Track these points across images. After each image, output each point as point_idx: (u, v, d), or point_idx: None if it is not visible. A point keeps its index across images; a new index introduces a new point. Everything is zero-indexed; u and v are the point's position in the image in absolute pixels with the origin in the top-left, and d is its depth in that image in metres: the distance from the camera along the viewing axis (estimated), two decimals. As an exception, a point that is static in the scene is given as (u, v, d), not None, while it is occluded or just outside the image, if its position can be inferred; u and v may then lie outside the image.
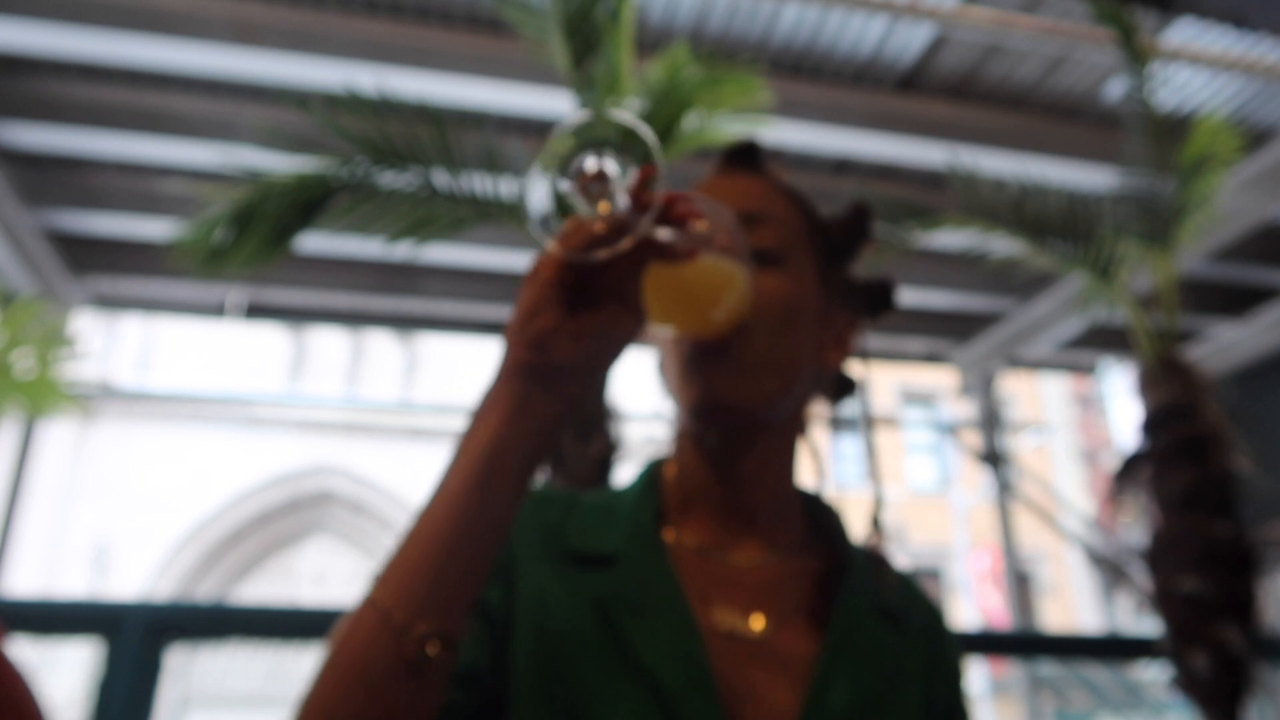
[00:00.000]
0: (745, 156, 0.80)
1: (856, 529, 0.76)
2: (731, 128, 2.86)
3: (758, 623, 0.66)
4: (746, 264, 0.65)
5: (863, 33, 3.39)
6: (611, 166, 0.53)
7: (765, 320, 0.68)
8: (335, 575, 11.41)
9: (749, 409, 0.68)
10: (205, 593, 10.73)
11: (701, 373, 0.68)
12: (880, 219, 3.26)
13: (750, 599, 0.68)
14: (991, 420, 5.36)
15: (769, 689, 0.63)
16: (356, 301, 4.56)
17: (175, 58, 3.09)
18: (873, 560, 0.73)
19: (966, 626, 11.43)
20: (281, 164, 2.69)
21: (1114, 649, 3.07)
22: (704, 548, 0.70)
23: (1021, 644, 3.21)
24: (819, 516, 0.76)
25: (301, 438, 11.35)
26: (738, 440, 0.70)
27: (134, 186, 3.87)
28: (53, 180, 3.81)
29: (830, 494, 0.77)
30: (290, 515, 11.36)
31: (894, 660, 0.69)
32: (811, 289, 0.73)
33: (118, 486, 10.61)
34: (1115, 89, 3.54)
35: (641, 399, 11.82)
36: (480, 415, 0.55)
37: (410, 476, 11.39)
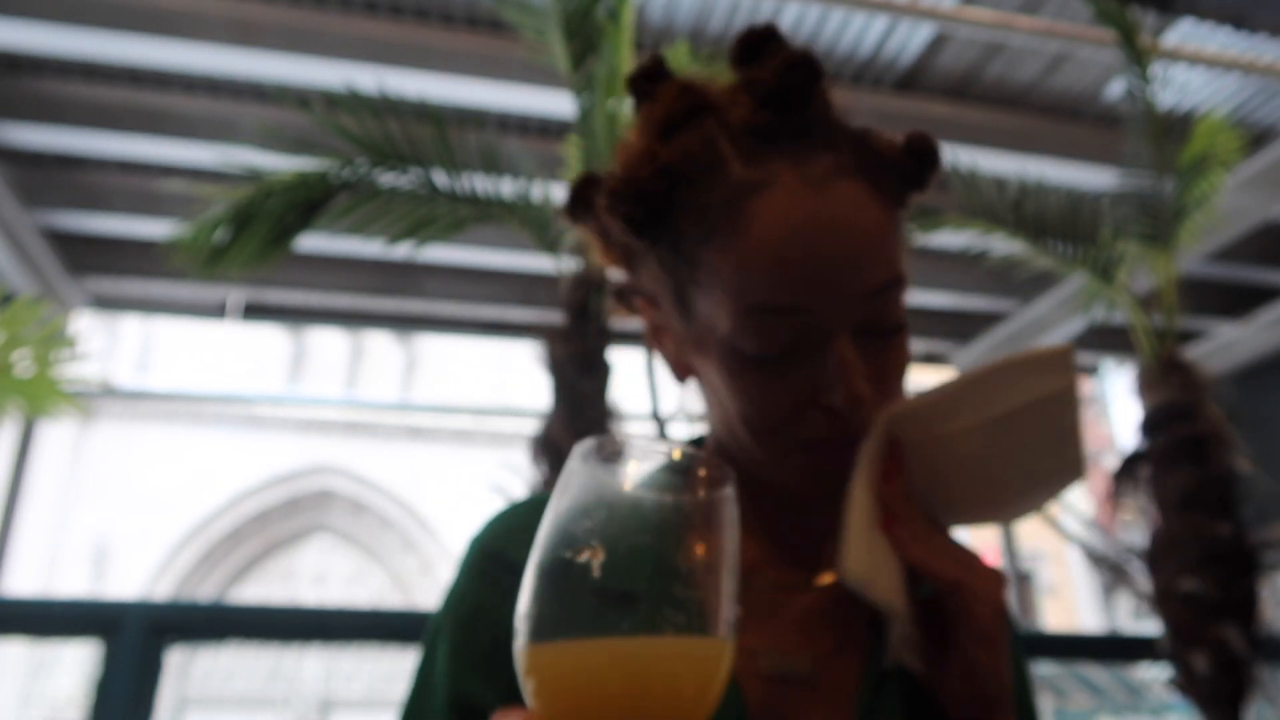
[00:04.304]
0: (802, 100, 0.56)
1: None
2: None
3: (805, 660, 0.61)
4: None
5: (863, 33, 3.39)
6: None
7: (888, 395, 0.58)
8: (335, 575, 11.40)
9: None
10: (205, 593, 10.72)
11: (834, 467, 0.58)
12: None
13: (798, 632, 0.62)
14: (991, 420, 5.36)
15: None
16: (356, 301, 4.56)
17: (175, 58, 3.09)
18: None
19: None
20: (281, 164, 2.69)
21: (1114, 649, 3.08)
22: (746, 574, 0.63)
23: (1021, 644, 3.20)
24: None
25: (301, 438, 11.34)
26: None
27: (134, 186, 3.86)
28: (52, 180, 3.80)
29: None
30: (290, 515, 11.35)
31: None
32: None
33: (117, 487, 10.60)
34: (1115, 89, 3.53)
35: (641, 399, 11.81)
36: None
37: (410, 476, 11.38)
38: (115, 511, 10.52)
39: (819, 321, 0.54)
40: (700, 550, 0.39)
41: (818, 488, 0.59)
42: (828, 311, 0.54)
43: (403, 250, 2.90)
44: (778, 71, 0.57)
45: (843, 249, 0.54)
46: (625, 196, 0.59)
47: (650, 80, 0.63)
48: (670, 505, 0.40)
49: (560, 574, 0.39)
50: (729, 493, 0.41)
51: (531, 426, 2.71)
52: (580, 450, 0.41)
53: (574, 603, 0.38)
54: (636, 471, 0.40)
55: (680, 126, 0.58)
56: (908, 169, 0.60)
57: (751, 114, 0.57)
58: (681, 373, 0.64)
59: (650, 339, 0.66)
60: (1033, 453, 0.58)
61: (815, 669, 0.60)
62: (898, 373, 0.59)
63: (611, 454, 0.41)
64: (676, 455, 0.41)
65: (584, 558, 0.38)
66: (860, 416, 0.56)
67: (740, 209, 0.55)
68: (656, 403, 2.81)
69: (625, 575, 0.38)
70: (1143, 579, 2.92)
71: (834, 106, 0.59)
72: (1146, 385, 2.98)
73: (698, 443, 0.69)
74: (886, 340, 0.57)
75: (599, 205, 0.62)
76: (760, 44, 0.62)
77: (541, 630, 0.38)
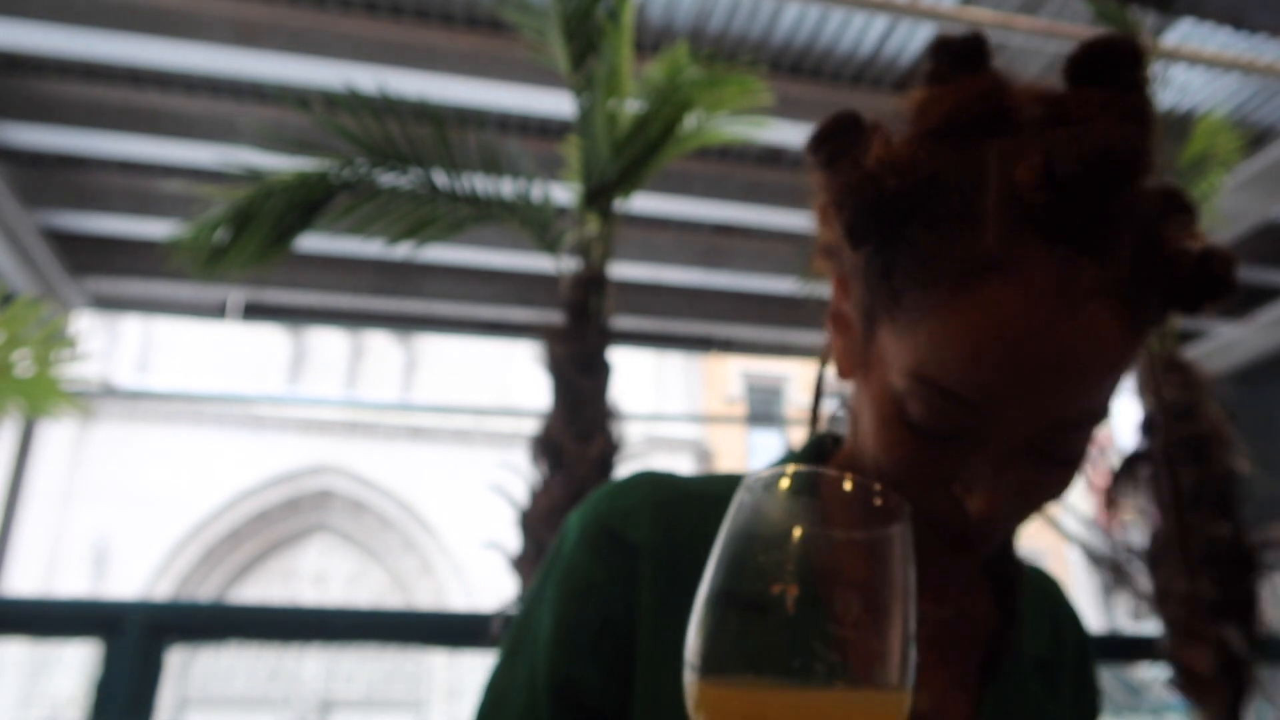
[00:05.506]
0: (1097, 199, 0.46)
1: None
2: (731, 128, 2.86)
3: (926, 696, 0.56)
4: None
5: (863, 33, 3.39)
6: None
7: (1021, 515, 0.54)
8: (335, 575, 11.41)
9: None
10: (205, 593, 10.72)
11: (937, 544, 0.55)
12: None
13: (921, 666, 0.60)
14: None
15: None
16: (356, 301, 4.56)
17: (175, 58, 3.09)
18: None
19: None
20: (281, 164, 2.69)
21: (1114, 649, 3.07)
22: None
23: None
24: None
25: (301, 438, 11.35)
26: None
27: (134, 186, 3.87)
28: (52, 180, 3.80)
29: None
30: (290, 515, 11.36)
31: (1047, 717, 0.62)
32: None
33: (117, 487, 10.61)
34: (1115, 89, 3.53)
35: (641, 399, 11.81)
36: None
37: (410, 476, 11.39)
38: (115, 511, 10.53)
39: (990, 427, 0.49)
40: (878, 590, 0.37)
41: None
42: (1005, 425, 0.48)
43: (403, 250, 2.90)
44: (1084, 158, 0.45)
45: (1057, 379, 0.47)
46: (860, 198, 0.51)
47: (958, 60, 0.53)
48: (847, 541, 0.37)
49: (730, 608, 0.37)
50: (905, 527, 0.38)
51: (531, 426, 2.71)
52: (756, 483, 0.39)
53: (743, 640, 0.36)
54: (812, 504, 0.38)
55: (958, 133, 0.49)
56: (1188, 287, 0.50)
57: (1034, 183, 0.46)
58: (845, 370, 0.59)
59: (829, 318, 0.60)
60: None
61: (933, 706, 0.58)
62: (1043, 499, 0.53)
63: (789, 486, 0.39)
64: (849, 486, 0.39)
65: (757, 593, 0.36)
66: (981, 527, 0.52)
67: (973, 281, 0.47)
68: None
69: (799, 614, 0.36)
70: (1142, 579, 2.92)
71: (1134, 202, 0.48)
72: (1146, 385, 2.98)
73: (834, 441, 0.65)
74: (1052, 466, 0.51)
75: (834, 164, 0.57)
76: (1118, 61, 0.52)
77: (710, 665, 0.37)
